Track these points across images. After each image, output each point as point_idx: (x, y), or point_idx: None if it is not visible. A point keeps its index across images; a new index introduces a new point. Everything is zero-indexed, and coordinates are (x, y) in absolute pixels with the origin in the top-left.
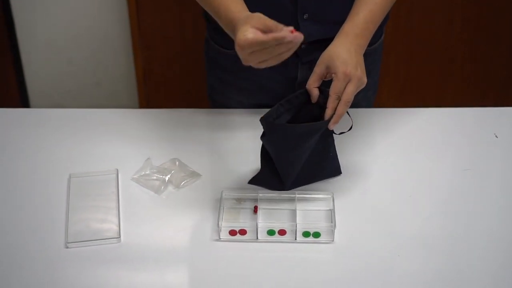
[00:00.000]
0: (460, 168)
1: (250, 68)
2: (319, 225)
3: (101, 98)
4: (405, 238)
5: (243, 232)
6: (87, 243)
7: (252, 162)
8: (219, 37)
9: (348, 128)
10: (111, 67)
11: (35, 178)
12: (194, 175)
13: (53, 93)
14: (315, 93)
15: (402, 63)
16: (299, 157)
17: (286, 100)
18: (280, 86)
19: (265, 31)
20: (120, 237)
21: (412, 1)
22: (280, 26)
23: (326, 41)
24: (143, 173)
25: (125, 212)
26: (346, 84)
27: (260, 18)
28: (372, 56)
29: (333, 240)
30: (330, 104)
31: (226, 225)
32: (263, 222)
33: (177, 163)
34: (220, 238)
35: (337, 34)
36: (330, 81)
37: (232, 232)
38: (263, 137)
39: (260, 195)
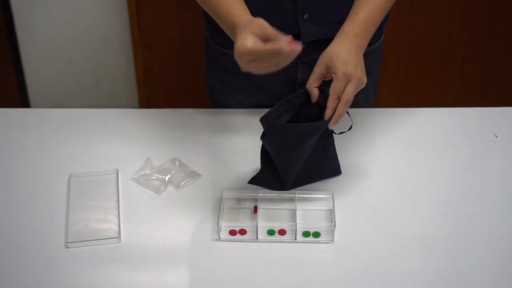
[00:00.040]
0: (460, 168)
1: None
2: (319, 225)
3: (101, 98)
4: (405, 238)
5: (243, 232)
6: (87, 243)
7: (252, 162)
8: (219, 37)
9: (348, 128)
10: (111, 67)
11: (35, 178)
12: (194, 175)
13: (53, 93)
14: (315, 93)
15: (402, 63)
16: (299, 157)
17: (286, 100)
18: (280, 86)
19: (264, 38)
20: (120, 237)
21: (412, 1)
22: (279, 35)
23: (326, 41)
24: (143, 173)
25: (125, 212)
26: (346, 84)
27: (259, 25)
28: (372, 56)
29: (333, 240)
30: (330, 104)
31: (226, 225)
32: (263, 222)
33: (177, 163)
34: (220, 238)
35: (337, 34)
36: (330, 81)
37: (232, 232)
38: (263, 137)
39: (260, 195)
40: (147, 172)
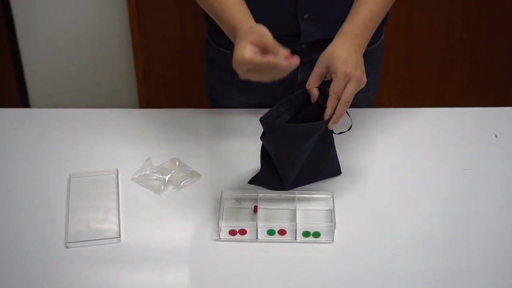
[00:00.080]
0: (460, 168)
1: None
2: (319, 225)
3: (101, 98)
4: (405, 238)
5: (243, 232)
6: (87, 243)
7: (252, 162)
8: (219, 37)
9: (348, 128)
10: (111, 67)
11: (35, 178)
12: (194, 175)
13: (53, 93)
14: (314, 93)
15: (402, 63)
16: (299, 157)
17: (286, 100)
18: (280, 86)
19: (263, 49)
20: (120, 237)
21: (412, 1)
22: (278, 47)
23: (326, 41)
24: (143, 173)
25: (125, 212)
26: (346, 84)
27: (259, 34)
28: (372, 56)
29: (333, 240)
30: (330, 104)
31: (226, 225)
32: (263, 222)
33: (177, 163)
34: (220, 238)
35: (336, 34)
36: (330, 81)
37: (232, 232)
38: (263, 137)
39: (260, 195)
40: (147, 172)
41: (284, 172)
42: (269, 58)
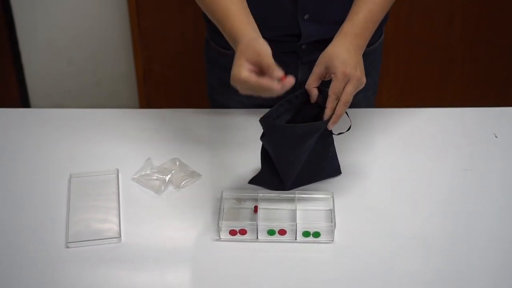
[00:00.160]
0: (460, 168)
1: None
2: (319, 225)
3: (101, 98)
4: (405, 238)
5: (243, 232)
6: (87, 243)
7: (252, 162)
8: (219, 37)
9: (347, 129)
10: (111, 67)
11: (35, 178)
12: (195, 175)
13: (53, 93)
14: (314, 93)
15: (402, 63)
16: (298, 157)
17: (286, 100)
18: None
19: (259, 67)
20: (120, 237)
21: (412, 1)
22: (273, 67)
23: (326, 41)
24: (144, 173)
25: (126, 212)
26: (345, 84)
27: (255, 53)
28: (372, 56)
29: (333, 240)
30: (329, 104)
31: (226, 225)
32: (263, 222)
33: (177, 163)
34: (220, 238)
35: (336, 34)
36: (330, 81)
37: (232, 232)
38: (262, 137)
39: (260, 195)
40: (147, 172)
41: (284, 172)
42: (263, 81)
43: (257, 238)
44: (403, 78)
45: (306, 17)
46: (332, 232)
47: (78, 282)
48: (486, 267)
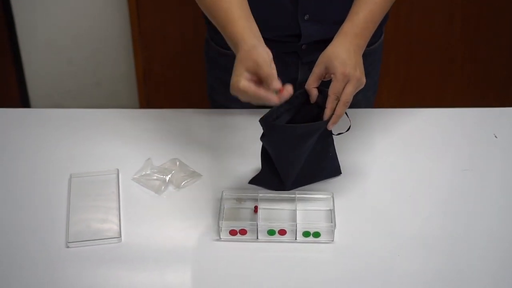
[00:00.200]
0: (460, 168)
1: None
2: (319, 225)
3: (101, 98)
4: (405, 238)
5: (243, 232)
6: (87, 243)
7: (252, 162)
8: (219, 37)
9: (346, 129)
10: (111, 67)
11: (36, 178)
12: (195, 175)
13: (53, 93)
14: (314, 93)
15: (402, 63)
16: (298, 157)
17: (285, 101)
18: None
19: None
20: (120, 237)
21: (412, 1)
22: (271, 78)
23: (326, 41)
24: (144, 173)
25: (126, 212)
26: (345, 85)
27: (254, 63)
28: (372, 56)
29: (333, 240)
30: (329, 104)
31: (227, 225)
32: (263, 222)
33: (177, 163)
34: (220, 238)
35: (336, 34)
36: (330, 82)
37: (233, 232)
38: (263, 137)
39: (261, 195)
40: (147, 172)
41: (284, 172)
42: (261, 92)
43: (257, 238)
44: (403, 78)
45: (306, 17)
46: (332, 232)
47: (78, 282)
48: (486, 267)
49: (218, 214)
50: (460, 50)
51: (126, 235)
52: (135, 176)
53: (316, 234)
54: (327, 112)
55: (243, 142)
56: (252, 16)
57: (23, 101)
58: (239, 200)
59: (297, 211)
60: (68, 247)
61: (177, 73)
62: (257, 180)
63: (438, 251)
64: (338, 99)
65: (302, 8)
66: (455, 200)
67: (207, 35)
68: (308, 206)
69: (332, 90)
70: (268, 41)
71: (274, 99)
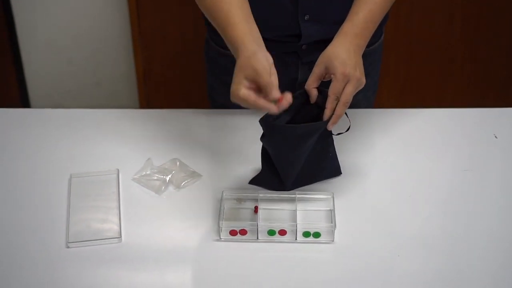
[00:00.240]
0: (460, 168)
1: None
2: (319, 225)
3: (101, 98)
4: (405, 238)
5: (243, 232)
6: (87, 243)
7: (252, 162)
8: (219, 37)
9: (346, 129)
10: (111, 67)
11: (36, 178)
12: (195, 175)
13: (53, 93)
14: (314, 93)
15: (402, 63)
16: (299, 158)
17: None
18: (280, 87)
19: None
20: (120, 237)
21: (412, 1)
22: (271, 87)
23: (326, 42)
24: (144, 173)
25: (126, 212)
26: (345, 85)
27: (254, 71)
28: (372, 56)
29: (333, 240)
30: (329, 104)
31: (227, 225)
32: (264, 222)
33: (177, 163)
34: (220, 238)
35: (336, 34)
36: (330, 82)
37: (233, 232)
38: (263, 138)
39: (261, 195)
40: (147, 172)
41: (284, 173)
42: (260, 102)
43: (257, 238)
44: (403, 78)
45: (306, 17)
46: (332, 232)
47: (78, 282)
48: (486, 267)
49: (218, 214)
50: (460, 50)
51: (126, 235)
52: (135, 176)
53: (316, 234)
54: (327, 112)
55: (243, 142)
56: (252, 17)
57: (23, 101)
58: (239, 200)
59: (297, 211)
60: (68, 247)
61: (177, 73)
62: (257, 180)
63: (438, 251)
64: (338, 99)
65: (302, 8)
66: (455, 200)
67: (207, 35)
68: (308, 206)
69: (332, 90)
70: (268, 41)
71: (273, 109)
